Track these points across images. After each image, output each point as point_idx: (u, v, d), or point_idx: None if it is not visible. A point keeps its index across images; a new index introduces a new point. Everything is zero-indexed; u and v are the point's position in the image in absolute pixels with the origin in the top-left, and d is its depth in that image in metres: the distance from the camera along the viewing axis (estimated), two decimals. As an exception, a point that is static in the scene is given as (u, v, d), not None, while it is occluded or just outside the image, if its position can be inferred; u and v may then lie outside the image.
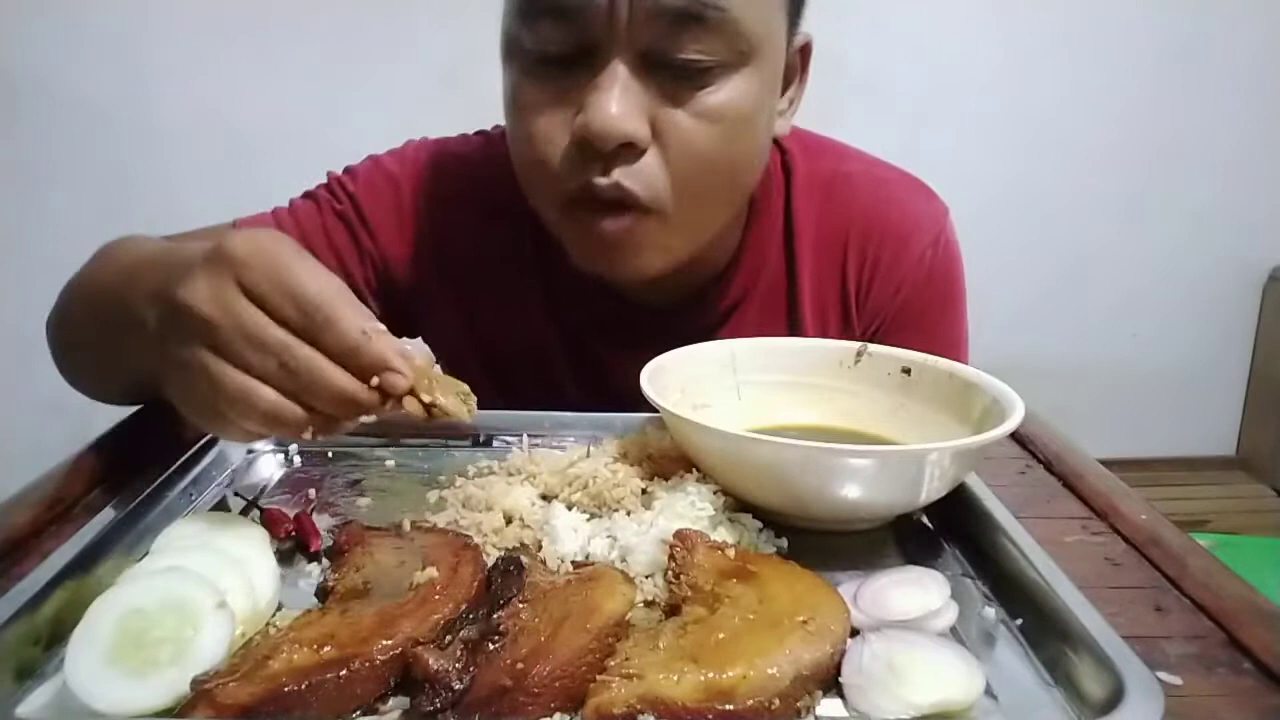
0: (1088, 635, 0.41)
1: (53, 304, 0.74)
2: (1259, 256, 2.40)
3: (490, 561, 0.48)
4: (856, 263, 0.82)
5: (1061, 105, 2.22)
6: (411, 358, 0.49)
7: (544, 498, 0.58)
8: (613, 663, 0.39)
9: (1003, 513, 0.54)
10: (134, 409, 0.71)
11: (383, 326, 0.48)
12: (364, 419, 0.48)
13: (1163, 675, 0.42)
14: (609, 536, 0.52)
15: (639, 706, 0.37)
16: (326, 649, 0.40)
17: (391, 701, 0.40)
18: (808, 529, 0.55)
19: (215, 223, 0.81)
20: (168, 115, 2.00)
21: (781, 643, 0.40)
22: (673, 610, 0.45)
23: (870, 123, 1.79)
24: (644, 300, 0.80)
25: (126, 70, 1.97)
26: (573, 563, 0.50)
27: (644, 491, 0.58)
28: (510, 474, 0.61)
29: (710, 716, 0.37)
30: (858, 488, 0.52)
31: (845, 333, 0.82)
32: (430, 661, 0.38)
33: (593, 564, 0.50)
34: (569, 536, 0.52)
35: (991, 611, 0.47)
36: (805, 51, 0.73)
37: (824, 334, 0.81)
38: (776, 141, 0.75)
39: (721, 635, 0.41)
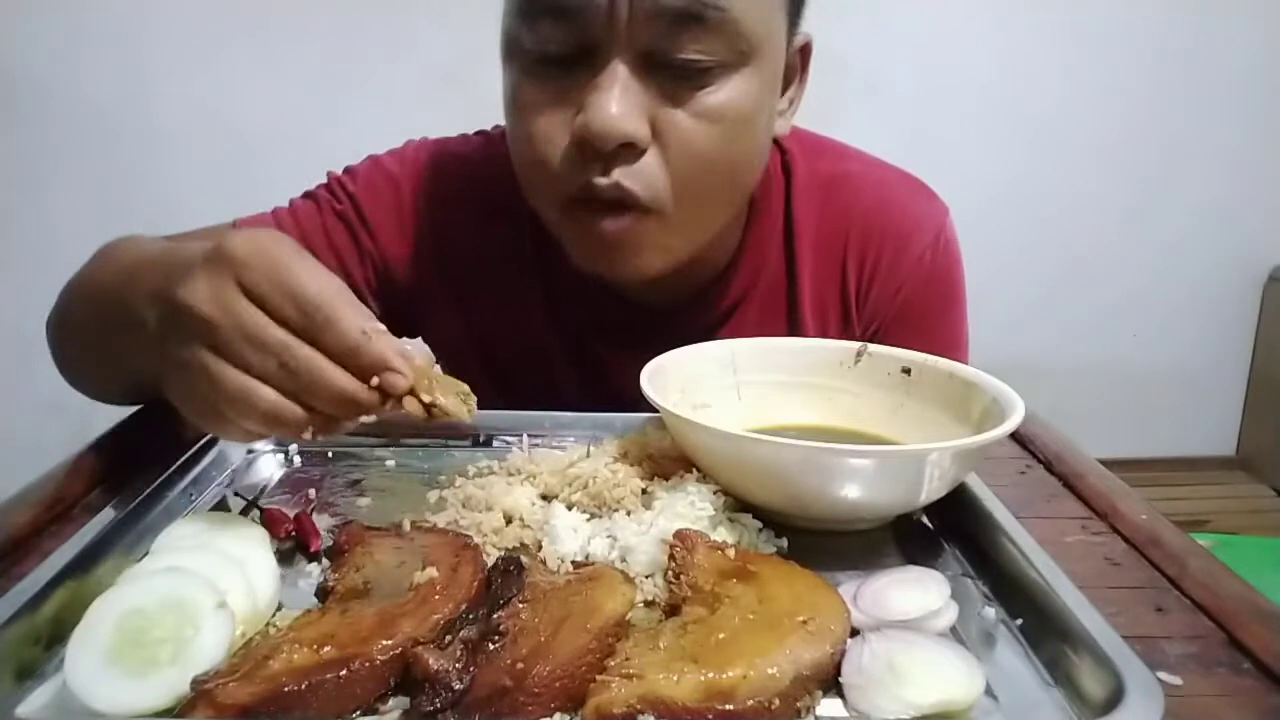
0: (1088, 635, 0.41)
1: (52, 304, 0.74)
2: (1259, 256, 2.40)
3: (490, 561, 0.48)
4: (856, 263, 0.82)
5: (1061, 105, 2.22)
6: (411, 358, 0.49)
7: (544, 498, 0.58)
8: (613, 663, 0.39)
9: (1003, 513, 0.54)
10: (134, 409, 0.71)
11: (383, 326, 0.48)
12: (364, 419, 0.48)
13: (1163, 675, 0.42)
14: (609, 536, 0.52)
15: (639, 706, 0.37)
16: (326, 649, 0.40)
17: (391, 701, 0.40)
18: (808, 529, 0.55)
19: (215, 222, 0.81)
20: (168, 115, 2.00)
21: (781, 643, 0.40)
22: (673, 610, 0.45)
23: (870, 123, 1.79)
24: (644, 300, 0.80)
25: (126, 70, 1.97)
26: (573, 563, 0.50)
27: (644, 491, 0.58)
28: (510, 474, 0.61)
29: (710, 716, 0.37)
30: (858, 488, 0.52)
31: (845, 333, 0.82)
32: (430, 661, 0.38)
33: (593, 564, 0.50)
34: (569, 536, 0.52)
35: (991, 611, 0.47)
36: (805, 51, 0.73)
37: (824, 334, 0.81)
38: (776, 141, 0.75)
39: (721, 635, 0.41)
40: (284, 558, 0.51)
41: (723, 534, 0.52)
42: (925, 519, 0.59)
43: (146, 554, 0.47)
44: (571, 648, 0.40)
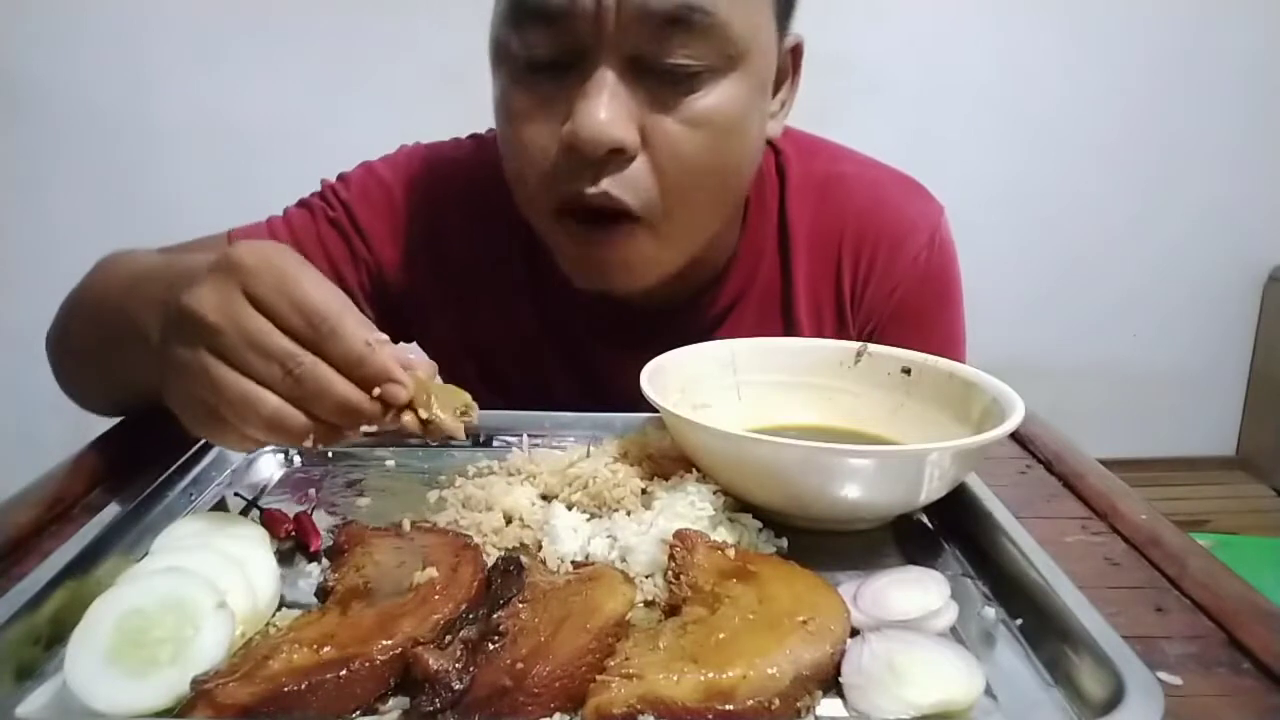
0: (1088, 635, 0.41)
1: (52, 303, 0.74)
2: (1259, 256, 2.40)
3: (490, 561, 0.48)
4: (851, 263, 0.81)
5: (1061, 105, 2.22)
6: (413, 368, 0.49)
7: (544, 498, 0.58)
8: (613, 663, 0.39)
9: (1003, 513, 0.54)
10: (134, 409, 0.71)
11: (385, 337, 0.48)
12: (364, 429, 0.48)
13: (1163, 675, 0.42)
14: (609, 536, 0.52)
15: (639, 706, 0.37)
16: (326, 649, 0.40)
17: (391, 701, 0.40)
18: (808, 529, 0.55)
19: (214, 223, 0.81)
20: (168, 115, 2.00)
21: (781, 643, 0.40)
22: (673, 610, 0.45)
23: (871, 122, 1.80)
24: (639, 303, 0.80)
25: (126, 70, 1.97)
26: (573, 563, 0.50)
27: (644, 491, 0.58)
28: (510, 474, 0.61)
29: (710, 716, 0.37)
30: (858, 488, 0.52)
31: (840, 334, 0.82)
32: (430, 661, 0.38)
33: (593, 564, 0.50)
34: (569, 536, 0.52)
35: (991, 611, 0.47)
36: (796, 53, 0.73)
37: (819, 335, 0.81)
38: (771, 143, 0.75)
39: (721, 635, 0.41)
40: (284, 558, 0.52)
41: (723, 534, 0.52)
42: (925, 519, 0.59)
43: (146, 554, 0.47)
44: (571, 648, 0.40)
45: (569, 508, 0.56)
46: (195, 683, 0.38)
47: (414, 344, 0.87)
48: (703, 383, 0.67)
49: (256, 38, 1.98)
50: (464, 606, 0.43)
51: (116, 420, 0.71)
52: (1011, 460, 0.69)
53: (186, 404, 0.48)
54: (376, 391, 0.47)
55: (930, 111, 2.18)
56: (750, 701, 0.37)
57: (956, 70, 2.17)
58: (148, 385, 0.52)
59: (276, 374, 0.45)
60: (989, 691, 0.40)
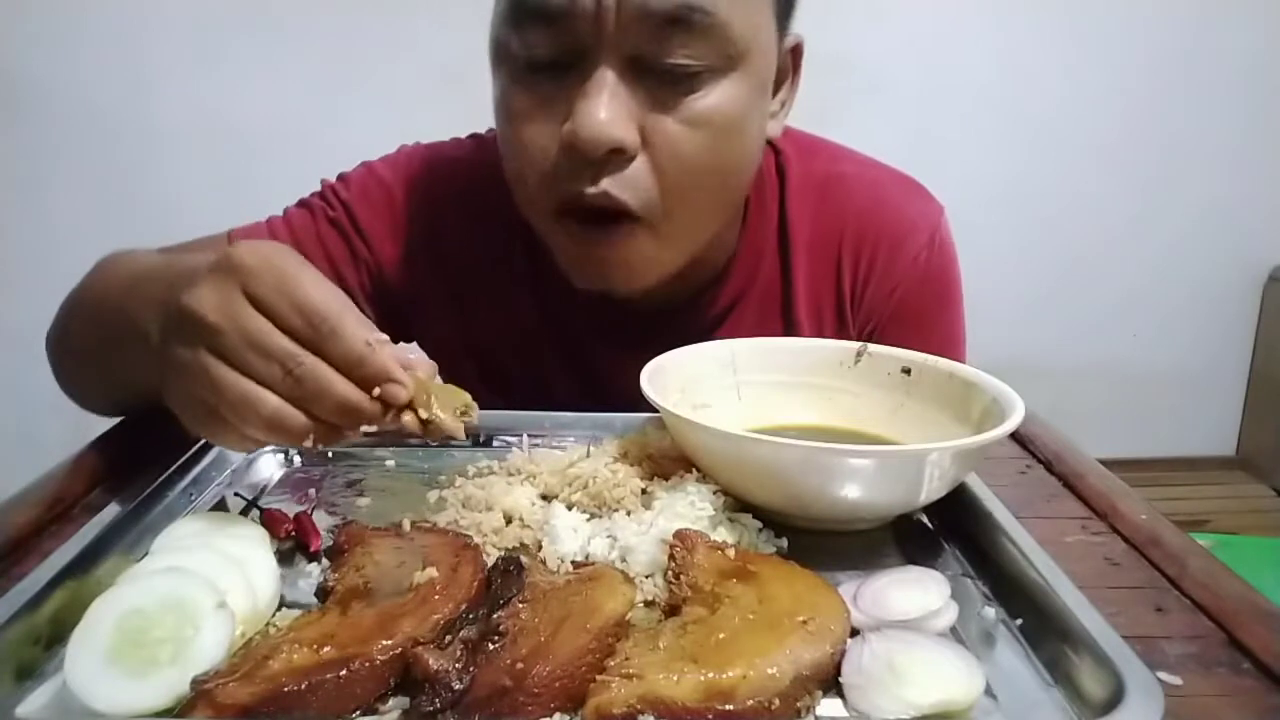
0: (1088, 635, 0.41)
1: (52, 303, 0.74)
2: (1259, 256, 2.40)
3: (490, 561, 0.48)
4: (851, 264, 0.81)
5: (1061, 105, 2.22)
6: (413, 368, 0.49)
7: (544, 498, 0.58)
8: (613, 663, 0.39)
9: (1003, 513, 0.54)
10: (134, 409, 0.71)
11: (385, 337, 0.48)
12: (364, 429, 0.48)
13: (1163, 675, 0.42)
14: (609, 536, 0.52)
15: (639, 706, 0.37)
16: (326, 649, 0.40)
17: (391, 701, 0.40)
18: (808, 529, 0.55)
19: (214, 223, 0.81)
20: (168, 115, 2.00)
21: (781, 643, 0.40)
22: (673, 610, 0.45)
23: (872, 122, 1.80)
24: (639, 303, 0.80)
25: (126, 70, 1.97)
26: (573, 563, 0.50)
27: (644, 491, 0.58)
28: (510, 474, 0.61)
29: (710, 716, 0.37)
30: (858, 488, 0.52)
31: (840, 334, 0.82)
32: (430, 661, 0.38)
33: (593, 564, 0.50)
34: (569, 536, 0.52)
35: (991, 611, 0.47)
36: (796, 53, 0.73)
37: (819, 335, 0.81)
38: (771, 143, 0.75)
39: (721, 635, 0.41)
40: (284, 558, 0.52)
41: (723, 534, 0.52)
42: (925, 519, 0.59)
43: (146, 554, 0.47)
44: (571, 648, 0.40)
45: (569, 508, 0.56)
46: (195, 683, 0.38)
47: (414, 344, 0.87)
48: (703, 383, 0.67)
49: (256, 38, 1.98)
50: (464, 606, 0.43)
51: (116, 420, 0.71)
52: (1011, 460, 0.69)
53: (186, 404, 0.48)
54: (376, 391, 0.47)
55: (930, 111, 2.18)
56: (750, 701, 0.37)
57: (956, 70, 2.17)
58: (148, 385, 0.52)
59: (277, 374, 0.45)
60: (989, 691, 0.40)
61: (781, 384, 0.69)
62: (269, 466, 0.65)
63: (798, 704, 0.39)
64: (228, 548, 0.47)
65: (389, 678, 0.40)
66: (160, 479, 0.57)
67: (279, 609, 0.46)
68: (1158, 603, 0.50)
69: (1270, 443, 2.44)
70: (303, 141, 1.97)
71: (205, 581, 0.42)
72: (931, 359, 0.65)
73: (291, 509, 0.56)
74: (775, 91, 0.71)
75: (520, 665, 0.38)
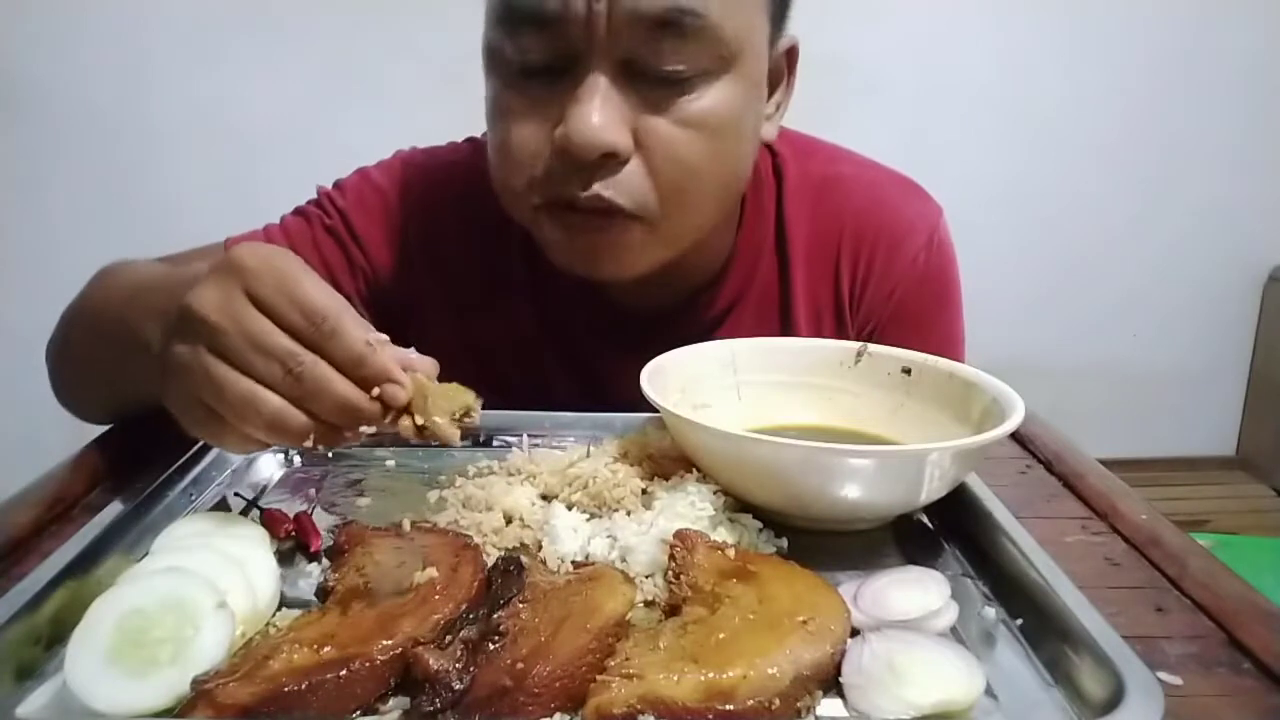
0: (1088, 635, 0.41)
1: (52, 303, 0.74)
2: (1259, 256, 2.40)
3: (490, 561, 0.48)
4: (850, 265, 0.81)
5: (1061, 105, 2.22)
6: (414, 368, 0.49)
7: (544, 498, 0.58)
8: (613, 663, 0.39)
9: (1003, 513, 0.54)
10: (134, 410, 0.71)
11: (385, 338, 0.49)
12: (364, 430, 0.48)
13: (1163, 675, 0.42)
14: (609, 536, 0.52)
15: (639, 706, 0.37)
16: (326, 649, 0.40)
17: (391, 701, 0.40)
18: (808, 529, 0.55)
19: (214, 223, 0.81)
20: (168, 115, 2.00)
21: (781, 643, 0.40)
22: (673, 610, 0.45)
23: (870, 123, 1.80)
24: (637, 305, 0.80)
25: (126, 70, 1.97)
26: (573, 563, 0.50)
27: (644, 491, 0.58)
28: (510, 474, 0.61)
29: (710, 716, 0.37)
30: (858, 488, 0.52)
31: (839, 335, 0.82)
32: (430, 661, 0.38)
33: (593, 564, 0.50)
34: (569, 536, 0.52)
35: (991, 611, 0.47)
36: (791, 55, 0.73)
37: (818, 336, 0.81)
38: (767, 144, 0.75)
39: (721, 635, 0.41)
40: (284, 558, 0.52)
41: (723, 534, 0.52)
42: (925, 519, 0.59)
43: (146, 554, 0.47)
44: (571, 648, 0.40)
45: (569, 508, 0.56)
46: (195, 683, 0.38)
47: (411, 349, 0.87)
48: (703, 383, 0.67)
49: (256, 38, 1.98)
50: (464, 606, 0.43)
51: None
52: (1011, 460, 0.69)
53: (186, 405, 0.48)
54: (376, 392, 0.47)
55: (928, 112, 2.18)
56: (750, 701, 0.37)
57: (954, 70, 2.17)
58: (149, 395, 0.52)
59: (277, 373, 0.46)
60: (989, 691, 0.40)
61: (781, 384, 0.69)
62: (269, 466, 0.65)
63: (798, 704, 0.39)
64: (228, 548, 0.47)
65: (389, 678, 0.40)
66: (160, 479, 0.57)
67: (279, 609, 0.46)
68: (1158, 603, 0.50)
69: (1270, 443, 2.44)
70: (303, 142, 1.97)
71: (205, 581, 0.42)
72: (931, 359, 0.65)
73: (292, 509, 0.56)
74: (770, 93, 0.71)
75: (520, 665, 0.38)
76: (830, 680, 0.41)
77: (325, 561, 0.51)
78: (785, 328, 0.82)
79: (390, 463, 0.66)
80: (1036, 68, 2.19)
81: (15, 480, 0.59)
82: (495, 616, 0.42)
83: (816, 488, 0.52)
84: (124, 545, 0.51)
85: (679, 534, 0.49)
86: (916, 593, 0.46)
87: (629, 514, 0.55)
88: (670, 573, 0.47)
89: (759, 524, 0.55)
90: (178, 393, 0.48)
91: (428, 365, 0.50)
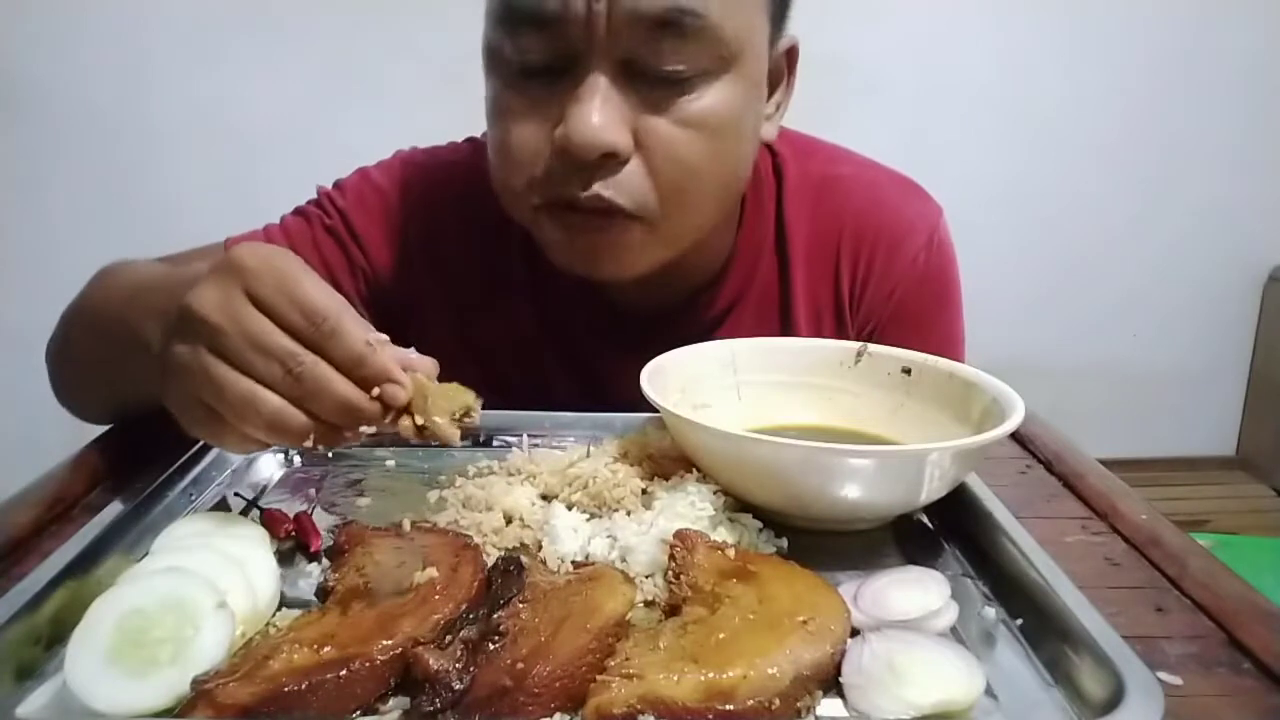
0: (1088, 635, 0.41)
1: (52, 303, 0.74)
2: (1259, 256, 2.40)
3: (490, 561, 0.48)
4: (850, 266, 0.81)
5: (1061, 105, 2.22)
6: (414, 368, 0.49)
7: (544, 498, 0.58)
8: (613, 663, 0.39)
9: (1003, 513, 0.54)
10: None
11: (385, 337, 0.49)
12: (363, 429, 0.48)
13: (1163, 675, 0.42)
14: (609, 536, 0.52)
15: (639, 706, 0.37)
16: (326, 649, 0.40)
17: (391, 701, 0.40)
18: (808, 529, 0.55)
19: (214, 223, 0.81)
20: (168, 115, 2.00)
21: (781, 643, 0.40)
22: (673, 610, 0.45)
23: (870, 123, 1.80)
24: (636, 306, 0.80)
25: (126, 70, 1.97)
26: (573, 563, 0.50)
27: (644, 491, 0.58)
28: (510, 474, 0.61)
29: (710, 716, 0.37)
30: (858, 488, 0.52)
31: (839, 335, 0.82)
32: (430, 661, 0.38)
33: (593, 564, 0.50)
34: (569, 536, 0.52)
35: (991, 611, 0.47)
36: (791, 55, 0.73)
37: (818, 337, 0.81)
38: (767, 144, 0.75)
39: (721, 635, 0.41)
40: (284, 558, 0.52)
41: (723, 534, 0.52)
42: (925, 519, 0.59)
43: (146, 554, 0.47)
44: (571, 648, 0.40)
45: (569, 508, 0.56)
46: (195, 683, 0.38)
47: (411, 349, 0.87)
48: (703, 383, 0.67)
49: (256, 38, 1.98)
50: (464, 606, 0.43)
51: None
52: (1011, 460, 0.69)
53: (186, 405, 0.48)
54: (376, 392, 0.47)
55: (928, 112, 2.18)
56: (750, 701, 0.37)
57: (954, 70, 2.17)
58: (149, 396, 0.52)
59: (277, 373, 0.46)
60: (989, 691, 0.40)
61: (781, 384, 0.69)
62: (269, 466, 0.65)
63: (798, 704, 0.39)
64: (228, 548, 0.47)
65: (389, 678, 0.40)
66: (160, 479, 0.57)
67: (279, 609, 0.46)
68: (1158, 603, 0.50)
69: (1270, 443, 2.44)
70: (303, 141, 1.97)
71: (205, 581, 0.42)
72: (931, 359, 0.65)
73: (292, 509, 0.56)
74: (770, 93, 0.71)
75: (520, 665, 0.38)
76: (830, 680, 0.41)
77: (325, 561, 0.51)
78: (785, 328, 0.82)
79: (390, 463, 0.66)
80: (1036, 68, 2.19)
81: (15, 480, 0.59)
82: (495, 616, 0.42)
83: (816, 488, 0.52)
84: (124, 545, 0.51)
85: (679, 534, 0.49)
86: (916, 593, 0.46)
87: (629, 514, 0.55)
88: (670, 573, 0.47)
89: (759, 524, 0.55)
90: (178, 392, 0.48)
91: (428, 365, 0.50)
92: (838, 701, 0.40)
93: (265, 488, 0.62)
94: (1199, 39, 2.21)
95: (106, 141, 2.00)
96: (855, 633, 0.43)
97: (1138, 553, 0.55)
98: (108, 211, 2.01)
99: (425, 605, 0.43)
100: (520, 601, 0.43)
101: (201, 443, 0.62)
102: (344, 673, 0.38)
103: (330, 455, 0.66)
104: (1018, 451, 0.70)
